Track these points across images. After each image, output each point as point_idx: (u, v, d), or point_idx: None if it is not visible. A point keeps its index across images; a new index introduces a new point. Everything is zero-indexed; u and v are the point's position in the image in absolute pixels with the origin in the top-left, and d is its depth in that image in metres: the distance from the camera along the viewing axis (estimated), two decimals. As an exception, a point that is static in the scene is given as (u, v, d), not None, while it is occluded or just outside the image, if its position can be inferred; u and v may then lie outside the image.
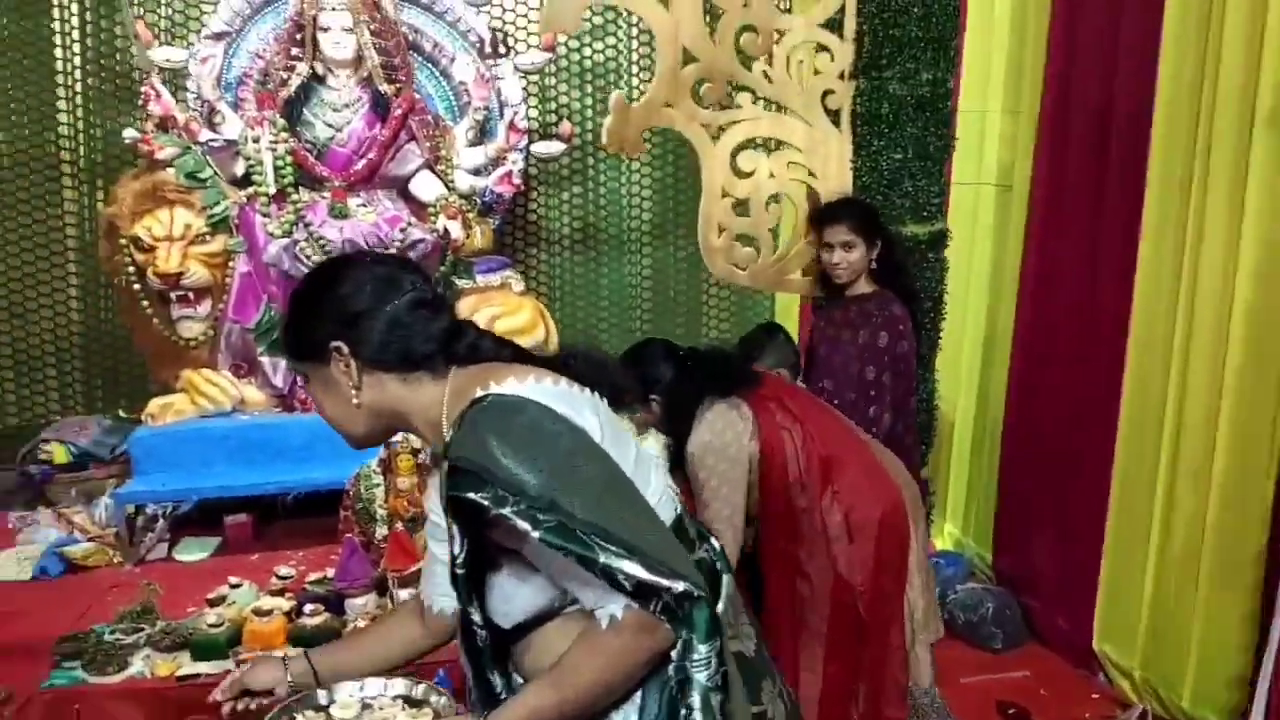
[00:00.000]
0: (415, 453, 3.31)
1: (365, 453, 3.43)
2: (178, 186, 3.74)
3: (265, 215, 3.87)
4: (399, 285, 1.29)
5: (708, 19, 2.77)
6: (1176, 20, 2.41)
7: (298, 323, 1.33)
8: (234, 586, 3.18)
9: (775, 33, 2.82)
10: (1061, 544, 2.95)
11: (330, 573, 3.26)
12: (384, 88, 4.08)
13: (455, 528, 1.20)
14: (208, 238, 3.78)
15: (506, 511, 1.12)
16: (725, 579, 1.32)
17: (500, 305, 4.20)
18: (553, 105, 5.01)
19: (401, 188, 4.27)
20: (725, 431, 2.14)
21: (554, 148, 4.55)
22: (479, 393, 1.20)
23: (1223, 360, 2.30)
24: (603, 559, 1.11)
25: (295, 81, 4.02)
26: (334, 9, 3.95)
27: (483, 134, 4.44)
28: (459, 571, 1.22)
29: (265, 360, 3.87)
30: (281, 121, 3.92)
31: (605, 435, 1.24)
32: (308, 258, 3.86)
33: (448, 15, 4.36)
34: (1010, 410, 3.19)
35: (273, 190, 3.88)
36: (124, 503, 3.62)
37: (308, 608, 3.00)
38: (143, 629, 2.96)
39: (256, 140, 3.82)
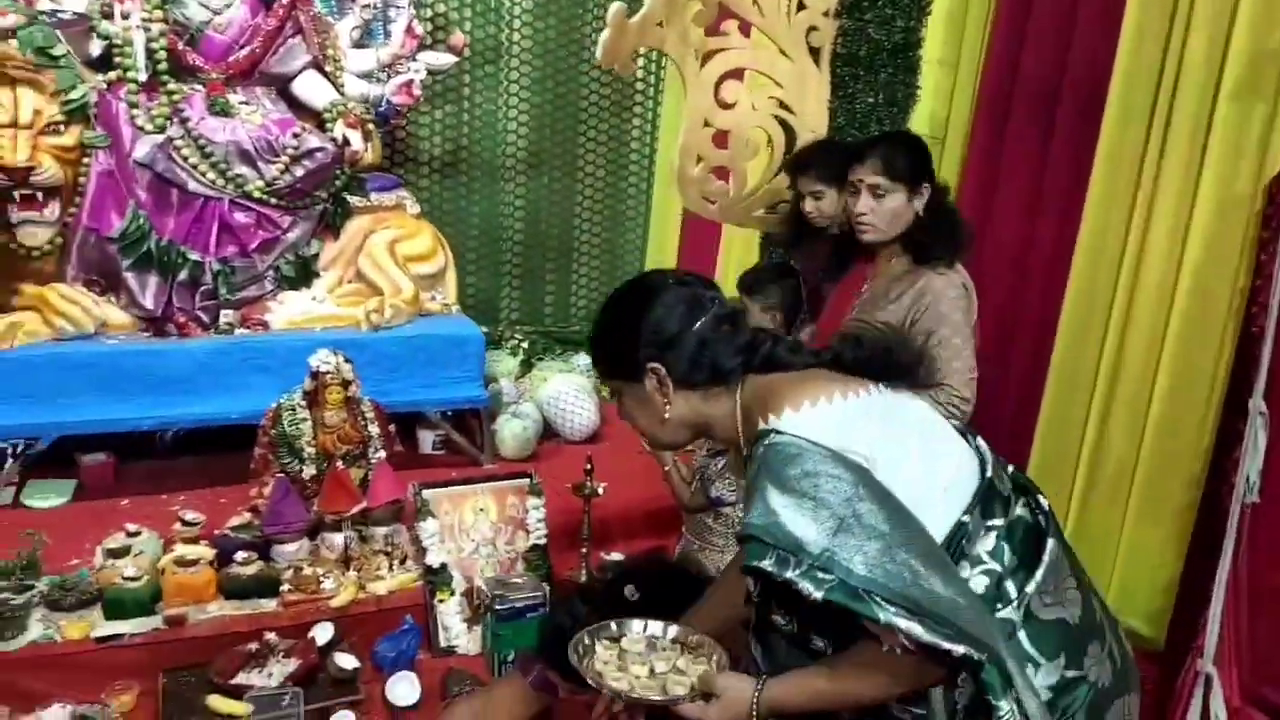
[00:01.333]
0: (346, 384, 3.02)
1: (285, 387, 3.08)
2: (23, 63, 3.07)
3: (133, 106, 3.29)
4: (703, 304, 1.38)
5: (706, -62, 2.69)
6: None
7: (615, 344, 1.42)
8: (132, 535, 2.77)
9: (768, -42, 2.80)
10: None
11: (246, 517, 2.93)
12: (270, -30, 3.58)
13: (749, 582, 1.36)
14: (61, 128, 3.15)
15: (790, 575, 1.17)
16: (1049, 543, 1.32)
17: (398, 228, 3.90)
18: (428, 14, 4.64)
19: (282, 88, 3.79)
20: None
21: (444, 59, 4.24)
22: (761, 425, 1.29)
23: (1168, 310, 2.62)
24: (884, 617, 1.14)
25: (163, -49, 3.42)
26: None
27: (365, 36, 4.03)
28: (755, 600, 1.35)
29: (131, 276, 3.33)
30: (156, -2, 3.33)
31: (886, 439, 1.28)
32: (185, 159, 3.36)
33: (331, -103, 3.88)
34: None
35: (143, 77, 3.31)
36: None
37: (239, 555, 2.70)
38: (33, 585, 2.51)
39: (126, 16, 3.22)
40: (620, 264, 5.54)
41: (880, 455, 1.24)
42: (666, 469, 2.66)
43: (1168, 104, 2.64)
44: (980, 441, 1.41)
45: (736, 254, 4.67)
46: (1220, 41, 2.48)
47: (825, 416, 1.26)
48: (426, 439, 3.84)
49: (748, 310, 2.66)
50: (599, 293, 5.53)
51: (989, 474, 1.35)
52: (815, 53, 2.94)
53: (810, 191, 2.67)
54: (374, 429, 3.06)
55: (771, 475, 1.21)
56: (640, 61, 5.26)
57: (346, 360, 3.01)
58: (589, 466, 2.95)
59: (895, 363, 1.36)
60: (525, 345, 5.08)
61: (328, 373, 2.98)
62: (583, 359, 5.06)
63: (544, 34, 4.95)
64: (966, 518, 1.28)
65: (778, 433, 1.25)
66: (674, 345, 1.35)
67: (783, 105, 2.94)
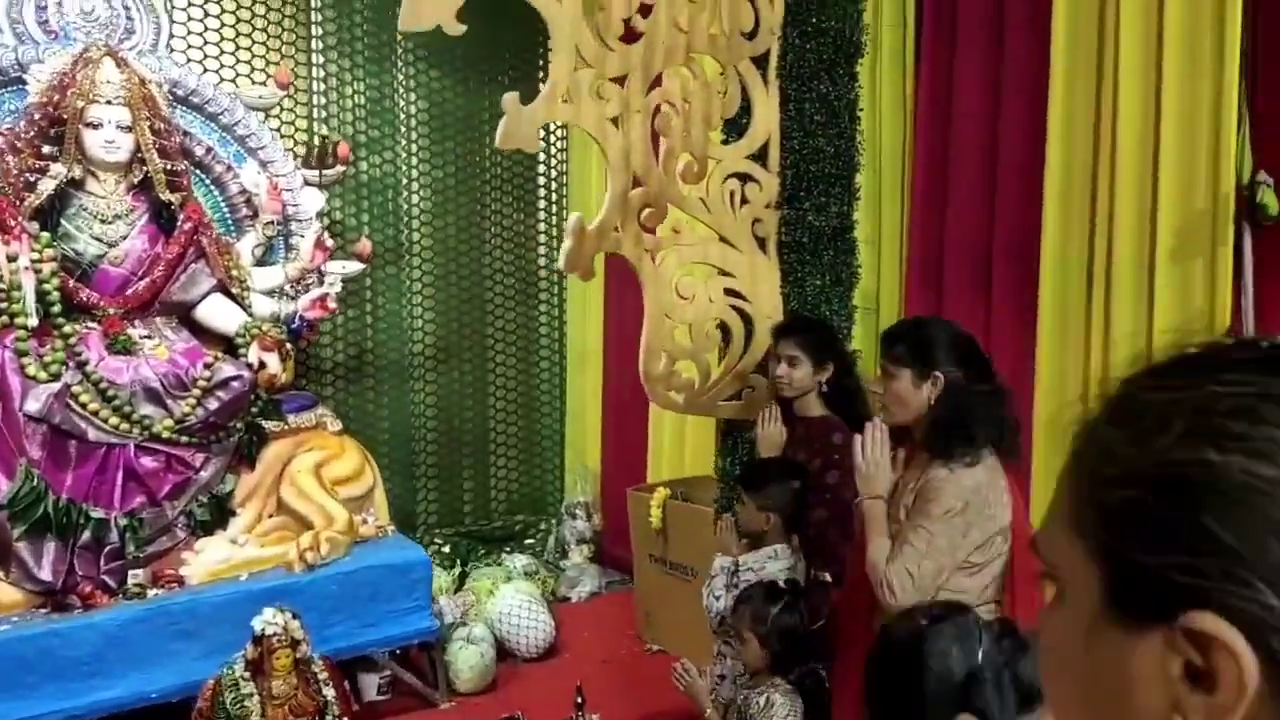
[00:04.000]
0: (295, 644, 2.66)
1: (215, 654, 2.69)
2: (-109, 319, 2.71)
3: (22, 354, 2.95)
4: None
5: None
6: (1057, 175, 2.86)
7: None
8: None
9: (711, 160, 2.84)
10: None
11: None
12: (168, 197, 3.37)
13: None
14: (-66, 386, 2.77)
15: None
16: None
17: (321, 449, 3.61)
18: (325, 221, 4.50)
19: (184, 315, 3.52)
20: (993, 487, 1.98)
21: (353, 267, 4.10)
22: None
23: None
24: None
25: (48, 186, 3.18)
26: (109, 102, 3.22)
27: (268, 253, 3.85)
28: None
29: (23, 546, 2.88)
30: (46, 236, 3.05)
31: None
32: (83, 406, 3.01)
33: (224, 118, 3.75)
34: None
35: (34, 322, 2.97)
36: None
37: None
38: None
39: (12, 259, 2.92)
40: (538, 453, 5.35)
41: None
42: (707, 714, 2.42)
43: (1105, 261, 2.80)
44: None
45: (668, 433, 4.60)
46: (1148, 203, 2.67)
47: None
48: (370, 684, 3.42)
49: (744, 505, 2.54)
50: (518, 484, 5.30)
51: None
52: (762, 242, 2.98)
53: (787, 356, 2.68)
54: (329, 692, 2.70)
55: None
56: (542, 246, 5.28)
57: (295, 617, 2.67)
58: (580, 700, 2.68)
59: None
60: (446, 549, 4.76)
61: (274, 635, 2.62)
62: (517, 559, 4.77)
63: (444, 231, 4.90)
64: None
65: None
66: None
67: (738, 295, 2.94)
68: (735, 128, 2.96)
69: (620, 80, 2.66)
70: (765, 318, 2.96)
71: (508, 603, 3.81)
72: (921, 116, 3.37)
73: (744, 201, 2.94)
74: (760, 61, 2.95)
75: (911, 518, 1.97)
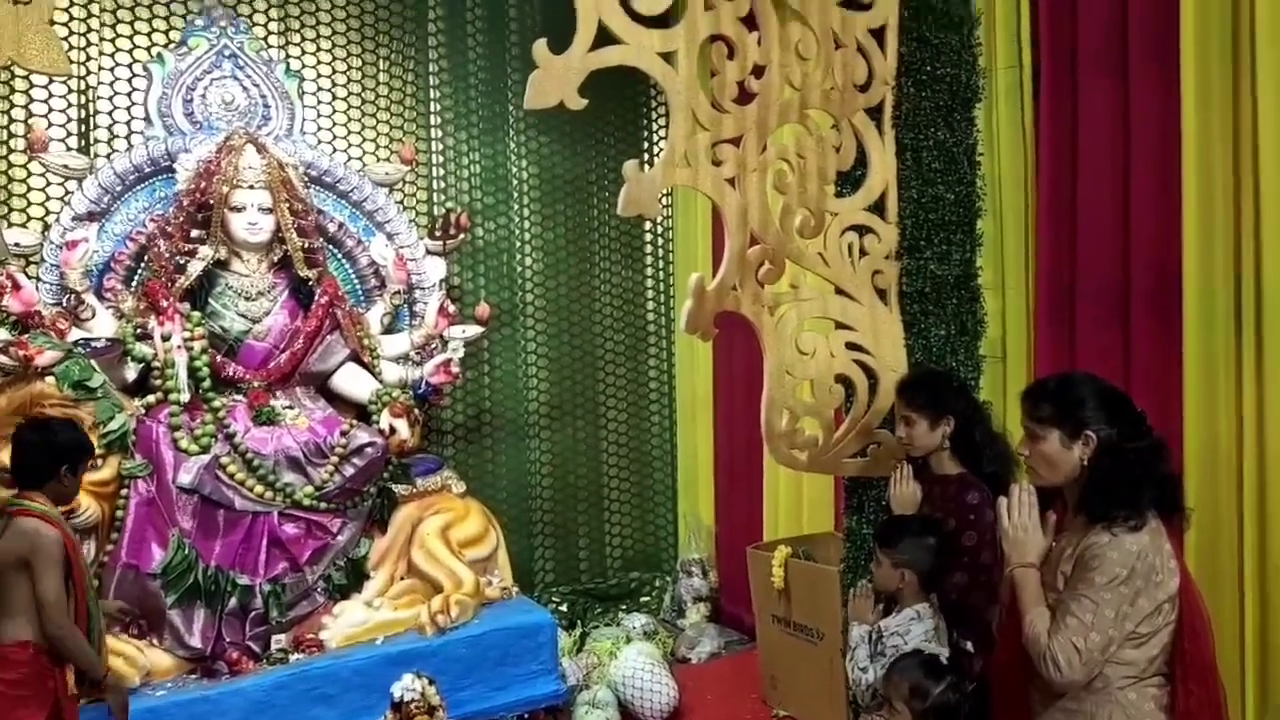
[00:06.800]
0: (432, 710, 2.69)
1: (352, 718, 2.75)
2: (62, 399, 2.92)
3: (175, 429, 3.12)
4: None
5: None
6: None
7: None
8: None
9: (827, 214, 2.83)
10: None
11: None
12: (306, 273, 3.55)
13: None
14: (98, 462, 2.95)
15: None
16: None
17: (447, 510, 3.68)
18: (446, 287, 4.65)
19: (320, 384, 3.67)
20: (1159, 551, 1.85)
21: (473, 331, 4.21)
22: None
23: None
24: None
25: (197, 268, 3.39)
26: (250, 186, 3.43)
27: (394, 320, 4.00)
28: None
29: (175, 614, 3.02)
30: (197, 315, 3.25)
31: None
32: (231, 476, 3.16)
33: (354, 195, 3.95)
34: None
35: (186, 398, 3.16)
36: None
37: None
38: None
39: (166, 338, 3.12)
40: (652, 509, 5.34)
41: None
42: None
43: (1253, 295, 2.64)
44: None
45: (783, 487, 4.52)
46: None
47: None
48: (499, 747, 3.44)
49: (879, 564, 2.47)
50: (633, 540, 5.29)
51: None
52: (883, 294, 2.93)
53: (902, 416, 2.63)
54: (466, 756, 2.71)
55: None
56: (650, 301, 5.33)
57: (431, 682, 2.71)
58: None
59: None
60: (564, 608, 4.77)
61: (413, 701, 2.66)
62: (635, 619, 4.74)
63: (556, 291, 5.00)
64: None
65: None
66: None
67: (860, 348, 2.89)
68: (850, 180, 2.94)
69: (735, 141, 2.68)
70: (889, 370, 2.90)
71: (630, 665, 3.77)
72: (1043, 157, 3.27)
73: (863, 254, 2.90)
74: (874, 112, 2.93)
75: (1072, 587, 1.85)
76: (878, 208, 2.93)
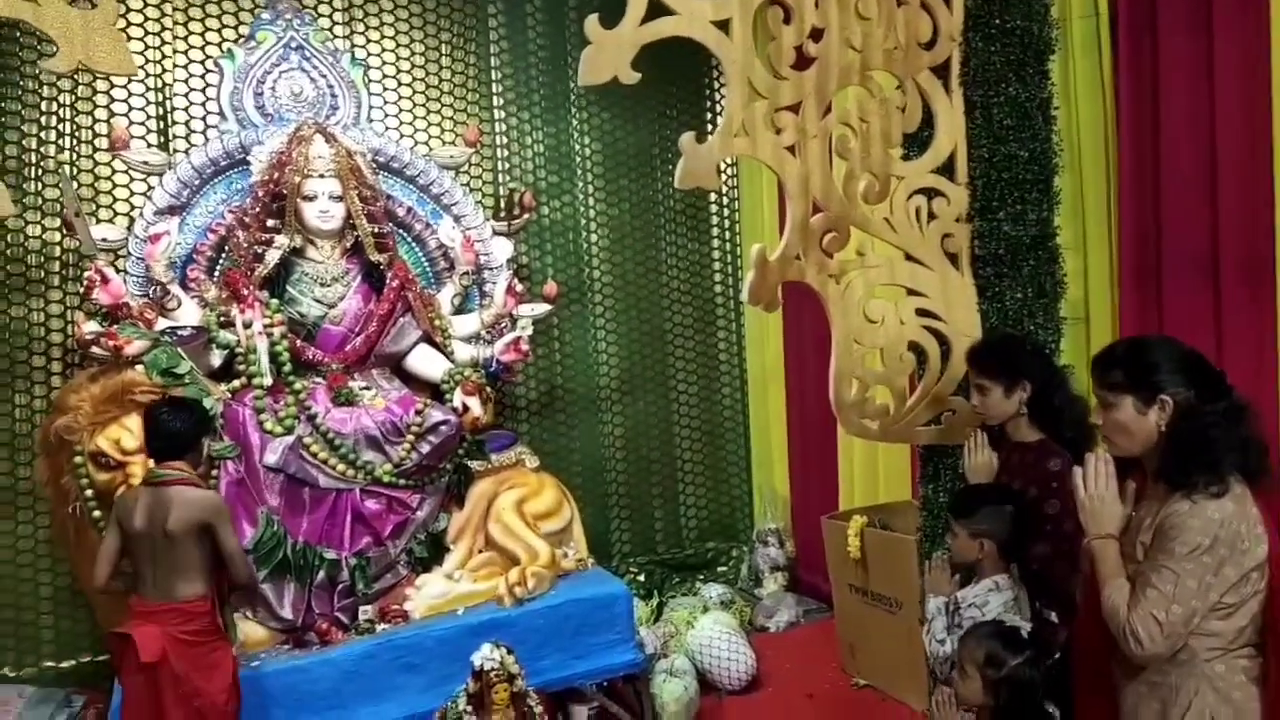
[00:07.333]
0: (512, 678, 2.76)
1: (436, 686, 2.84)
2: (152, 387, 3.06)
3: (260, 411, 3.25)
4: None
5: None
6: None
7: None
8: None
9: (893, 178, 2.76)
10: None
11: None
12: (377, 258, 3.64)
13: None
14: (199, 441, 3.09)
15: None
16: None
17: (522, 485, 3.75)
18: (514, 267, 4.71)
19: (395, 365, 3.77)
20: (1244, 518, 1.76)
21: (541, 309, 4.25)
22: None
23: None
24: None
25: (274, 257, 3.50)
26: (321, 175, 3.51)
27: (465, 301, 4.07)
28: None
29: (267, 587, 3.16)
30: (275, 302, 3.37)
31: None
32: (314, 455, 3.27)
33: (420, 179, 4.01)
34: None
35: (269, 381, 3.28)
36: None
37: None
38: None
39: (248, 325, 3.24)
40: (725, 479, 5.34)
41: None
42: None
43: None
44: None
45: (858, 456, 4.48)
46: None
47: None
48: (579, 715, 3.49)
49: (955, 535, 2.42)
50: (708, 511, 5.31)
51: None
52: (954, 258, 2.86)
53: (975, 385, 2.57)
54: (545, 723, 2.78)
55: None
56: (717, 274, 5.30)
57: (509, 652, 2.78)
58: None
59: None
60: (641, 578, 4.82)
61: (493, 669, 2.74)
62: (712, 588, 4.77)
63: (623, 266, 5.01)
64: None
65: None
66: None
67: (931, 314, 2.83)
68: (917, 141, 2.86)
69: (794, 108, 2.63)
70: (962, 336, 2.83)
71: (708, 634, 3.80)
72: (1124, 111, 3.13)
73: (931, 217, 2.83)
74: (940, 70, 2.84)
75: (1153, 557, 1.79)
76: (946, 169, 2.85)
